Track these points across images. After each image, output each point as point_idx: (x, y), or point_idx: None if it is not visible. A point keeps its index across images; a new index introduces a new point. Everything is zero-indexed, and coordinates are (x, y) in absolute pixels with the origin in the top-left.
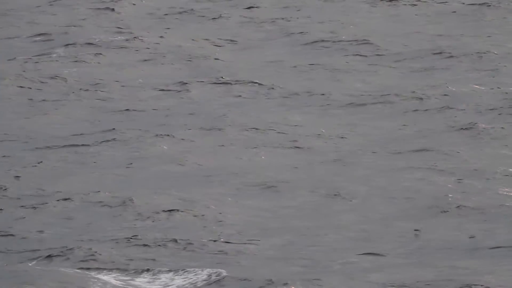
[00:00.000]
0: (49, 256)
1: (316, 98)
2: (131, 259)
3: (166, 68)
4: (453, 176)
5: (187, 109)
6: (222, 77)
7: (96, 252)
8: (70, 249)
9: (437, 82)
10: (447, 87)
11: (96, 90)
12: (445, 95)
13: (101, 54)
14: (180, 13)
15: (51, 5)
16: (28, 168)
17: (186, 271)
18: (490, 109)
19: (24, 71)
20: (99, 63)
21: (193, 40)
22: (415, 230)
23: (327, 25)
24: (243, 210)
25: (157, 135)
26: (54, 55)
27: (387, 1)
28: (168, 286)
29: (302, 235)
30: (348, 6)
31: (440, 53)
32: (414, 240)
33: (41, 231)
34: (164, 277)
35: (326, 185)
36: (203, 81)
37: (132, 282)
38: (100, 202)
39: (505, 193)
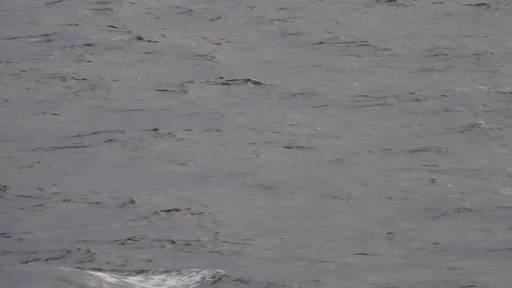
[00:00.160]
0: (47, 257)
1: (314, 98)
2: (129, 260)
3: (165, 68)
4: (452, 176)
5: (185, 109)
6: (220, 77)
7: (95, 253)
8: (68, 250)
9: (435, 83)
10: (445, 87)
11: (94, 90)
12: (443, 95)
13: (99, 54)
14: (178, 13)
15: (48, 5)
16: (25, 169)
17: (184, 271)
18: (489, 110)
19: (22, 71)
20: (97, 63)
21: (191, 40)
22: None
23: (325, 25)
24: (241, 210)
25: (155, 135)
26: (52, 55)
27: (385, 2)
28: (167, 286)
29: (300, 235)
30: (346, 7)
31: (438, 54)
32: (412, 241)
33: (39, 232)
34: (161, 277)
35: (325, 185)
36: (201, 81)
37: (131, 282)
38: (99, 202)
39: (504, 193)
